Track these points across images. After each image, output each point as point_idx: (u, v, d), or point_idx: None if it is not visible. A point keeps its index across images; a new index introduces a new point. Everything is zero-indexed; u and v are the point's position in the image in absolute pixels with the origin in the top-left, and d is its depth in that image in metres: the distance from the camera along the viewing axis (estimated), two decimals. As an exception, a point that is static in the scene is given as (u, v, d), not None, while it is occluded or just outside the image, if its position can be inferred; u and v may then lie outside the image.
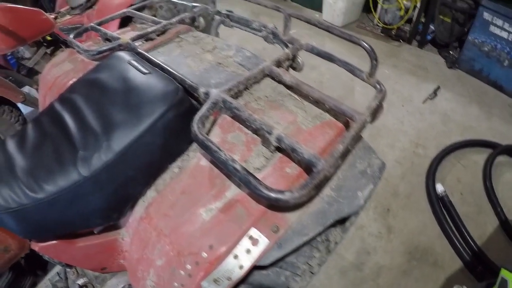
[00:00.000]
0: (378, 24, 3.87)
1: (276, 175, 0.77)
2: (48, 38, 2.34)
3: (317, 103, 0.92)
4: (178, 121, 0.81)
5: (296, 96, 0.95)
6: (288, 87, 0.97)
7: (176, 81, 0.87)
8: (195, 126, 0.73)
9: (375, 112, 0.84)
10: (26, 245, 0.89)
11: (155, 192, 0.83)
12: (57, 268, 1.11)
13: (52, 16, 2.17)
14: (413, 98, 2.91)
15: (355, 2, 3.91)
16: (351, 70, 0.97)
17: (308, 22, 1.04)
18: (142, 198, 0.84)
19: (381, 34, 3.85)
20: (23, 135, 0.87)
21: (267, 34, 1.18)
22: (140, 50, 1.02)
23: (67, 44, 2.31)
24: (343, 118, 0.88)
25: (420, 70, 3.29)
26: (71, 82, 1.12)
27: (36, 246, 0.88)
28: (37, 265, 1.17)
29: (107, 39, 1.22)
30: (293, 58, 1.07)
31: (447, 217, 1.95)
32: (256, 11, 4.20)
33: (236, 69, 1.04)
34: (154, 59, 0.95)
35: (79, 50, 1.13)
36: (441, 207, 2.00)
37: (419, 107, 2.81)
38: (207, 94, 0.84)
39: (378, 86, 0.91)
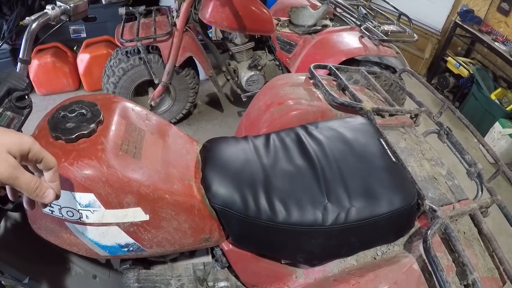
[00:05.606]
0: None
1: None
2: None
3: (493, 258, 1.00)
4: (401, 220, 0.93)
5: (482, 244, 1.03)
6: (480, 233, 1.05)
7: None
8: (429, 240, 0.82)
9: None
10: (221, 241, 0.99)
11: (355, 262, 0.93)
12: (207, 259, 1.13)
13: (275, 22, 2.42)
14: None
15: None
16: None
17: None
18: (341, 260, 0.95)
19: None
20: (267, 143, 1.03)
21: (473, 171, 1.22)
22: (378, 126, 1.15)
23: (270, 49, 2.54)
24: None
25: None
26: (300, 111, 1.26)
27: (227, 246, 0.99)
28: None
29: (343, 89, 1.37)
30: (488, 206, 1.12)
31: None
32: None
33: (446, 191, 1.11)
34: (394, 148, 1.06)
35: (325, 91, 1.28)
36: None
37: None
38: (434, 212, 0.93)
39: None
